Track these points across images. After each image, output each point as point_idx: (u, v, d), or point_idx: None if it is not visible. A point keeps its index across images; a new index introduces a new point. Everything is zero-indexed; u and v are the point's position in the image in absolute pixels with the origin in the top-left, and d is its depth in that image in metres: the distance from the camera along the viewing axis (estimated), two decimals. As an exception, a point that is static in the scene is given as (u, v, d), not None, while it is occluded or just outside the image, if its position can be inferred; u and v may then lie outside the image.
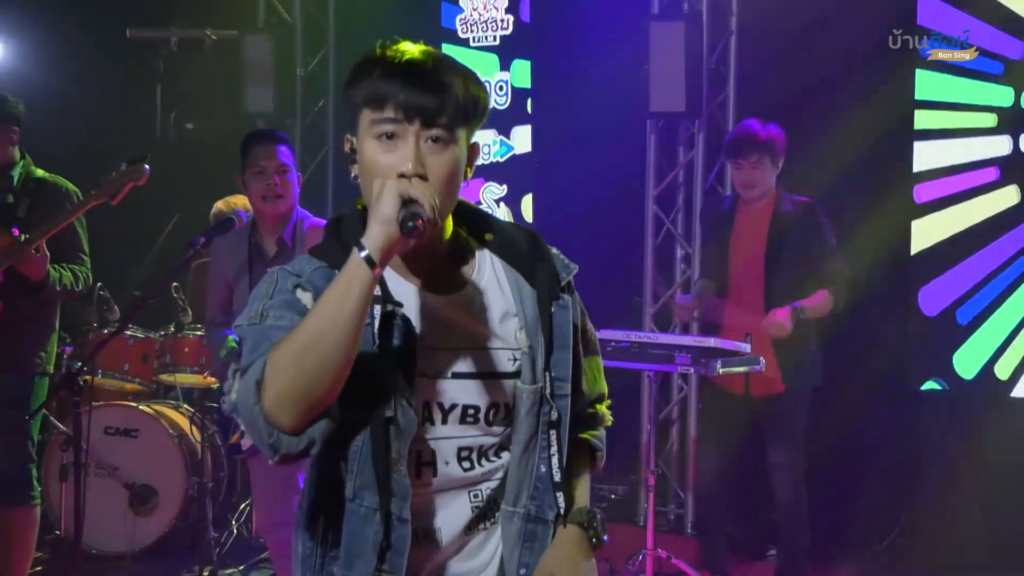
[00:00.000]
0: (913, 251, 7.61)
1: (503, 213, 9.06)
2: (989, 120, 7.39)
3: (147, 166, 5.78)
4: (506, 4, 8.92)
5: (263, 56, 9.24)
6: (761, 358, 6.21)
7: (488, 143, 9.08)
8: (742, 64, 8.19)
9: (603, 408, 2.99)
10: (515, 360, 2.68)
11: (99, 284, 7.24)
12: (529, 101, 9.00)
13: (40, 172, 6.21)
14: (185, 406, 7.69)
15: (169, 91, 9.58)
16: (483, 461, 2.72)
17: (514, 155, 9.08)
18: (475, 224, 2.78)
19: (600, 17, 8.49)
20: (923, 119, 7.55)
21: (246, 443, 5.60)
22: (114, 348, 7.34)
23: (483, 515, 2.75)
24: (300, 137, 9.42)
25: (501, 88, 8.99)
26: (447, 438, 2.67)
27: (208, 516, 7.27)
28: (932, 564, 7.30)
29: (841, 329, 6.95)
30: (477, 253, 2.74)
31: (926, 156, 7.55)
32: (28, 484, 6.18)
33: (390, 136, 2.53)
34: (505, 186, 9.12)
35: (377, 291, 2.53)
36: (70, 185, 6.18)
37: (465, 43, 9.11)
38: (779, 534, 6.96)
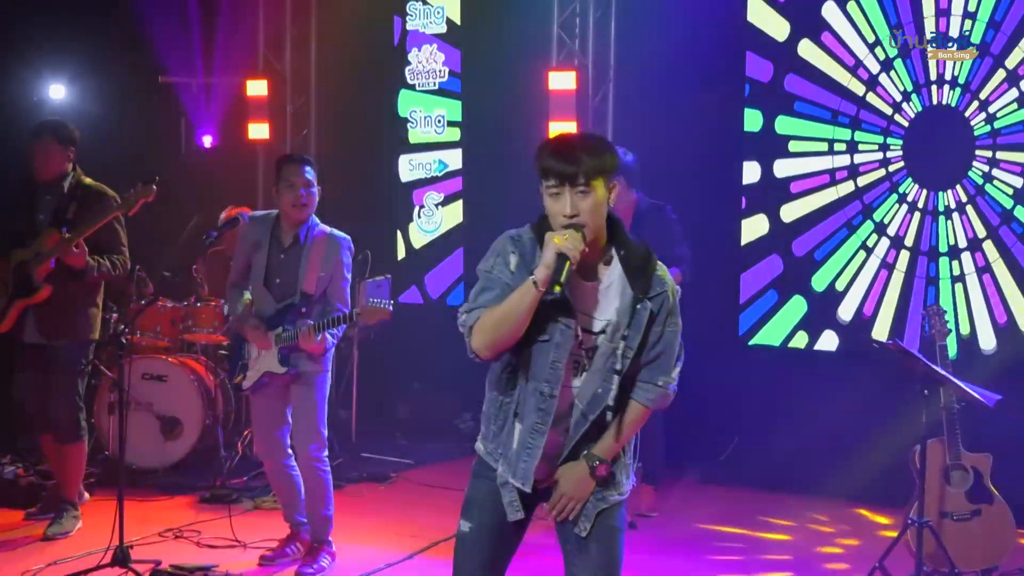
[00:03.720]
0: (742, 243, 7.68)
1: (441, 213, 9.00)
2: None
3: (155, 186, 5.65)
4: (443, 59, 8.89)
5: (261, 96, 9.18)
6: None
7: (430, 162, 9.02)
8: (618, 103, 8.15)
9: (661, 387, 3.46)
10: (605, 327, 3.22)
11: (138, 267, 7.12)
12: (459, 130, 8.94)
13: (88, 180, 6.03)
14: (202, 357, 7.63)
15: (191, 121, 9.49)
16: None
17: (448, 171, 9.02)
18: (620, 242, 3.25)
19: (511, 66, 8.44)
20: (747, 144, 7.62)
21: (246, 384, 5.56)
22: (149, 314, 7.31)
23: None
24: (289, 158, 9.33)
25: (439, 120, 8.94)
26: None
27: (220, 440, 7.26)
28: (757, 475, 7.41)
29: (695, 296, 6.98)
30: (613, 262, 3.24)
31: (749, 173, 7.63)
32: (77, 426, 6.12)
33: (555, 194, 3.12)
34: (442, 194, 9.06)
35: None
36: (110, 191, 6.00)
37: (413, 87, 9.06)
38: (639, 448, 6.98)
